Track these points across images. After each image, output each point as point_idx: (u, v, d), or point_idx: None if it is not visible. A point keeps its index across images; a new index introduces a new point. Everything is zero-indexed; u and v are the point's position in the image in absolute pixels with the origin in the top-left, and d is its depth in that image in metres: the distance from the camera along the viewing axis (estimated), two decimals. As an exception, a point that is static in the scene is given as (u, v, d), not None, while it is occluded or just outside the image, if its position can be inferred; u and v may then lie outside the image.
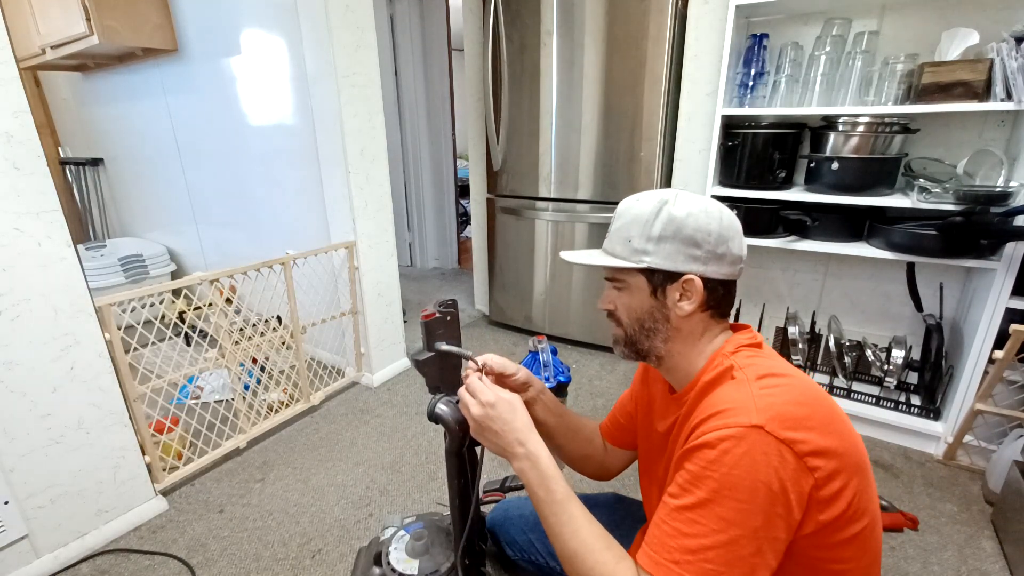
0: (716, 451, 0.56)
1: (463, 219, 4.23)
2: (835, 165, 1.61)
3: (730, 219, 0.67)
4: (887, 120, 1.57)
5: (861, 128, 1.59)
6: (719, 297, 0.69)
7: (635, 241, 0.67)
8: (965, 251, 1.46)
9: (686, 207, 0.65)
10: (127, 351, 1.37)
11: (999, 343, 1.44)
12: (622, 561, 0.60)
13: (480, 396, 0.71)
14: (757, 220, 1.78)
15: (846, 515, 0.58)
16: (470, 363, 0.80)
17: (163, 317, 1.72)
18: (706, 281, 0.66)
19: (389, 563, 0.98)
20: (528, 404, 0.77)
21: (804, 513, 0.56)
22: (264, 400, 1.87)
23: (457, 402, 0.84)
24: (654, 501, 0.66)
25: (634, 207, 0.68)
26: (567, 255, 0.76)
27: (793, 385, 0.60)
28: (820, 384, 1.78)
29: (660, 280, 0.67)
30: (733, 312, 2.00)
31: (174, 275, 3.02)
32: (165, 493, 1.51)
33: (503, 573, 1.22)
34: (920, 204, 1.50)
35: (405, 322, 2.45)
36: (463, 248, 4.06)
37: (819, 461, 0.56)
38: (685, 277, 0.66)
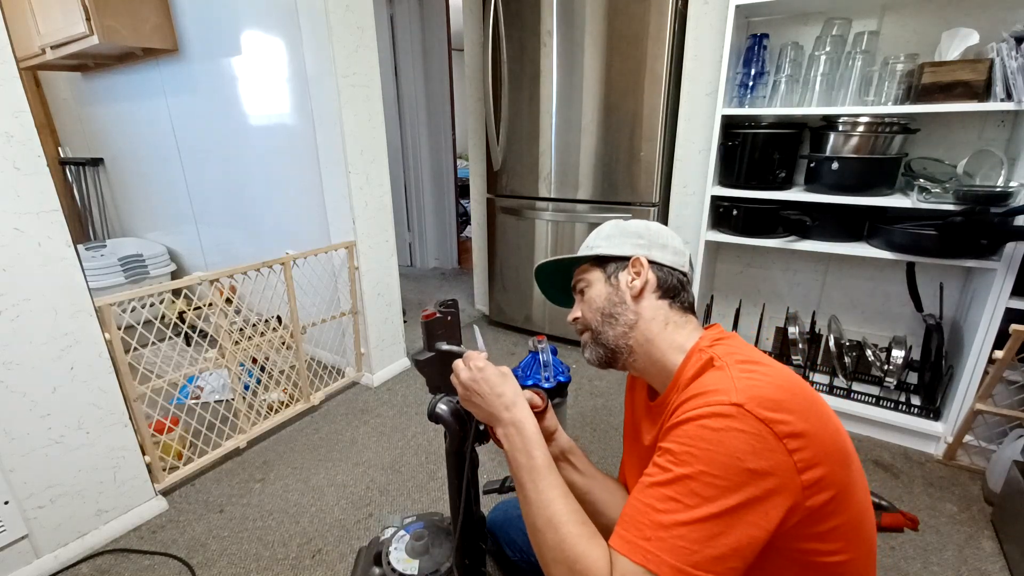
0: (695, 426, 0.56)
1: (463, 219, 4.22)
2: (835, 165, 1.61)
3: (672, 232, 0.81)
4: (887, 120, 1.57)
5: (861, 128, 1.58)
6: (673, 286, 0.76)
7: (589, 242, 0.84)
8: (965, 251, 1.46)
9: (633, 222, 0.82)
10: (127, 351, 1.37)
11: (999, 343, 1.44)
12: (595, 538, 0.58)
13: (471, 361, 0.75)
14: (757, 220, 1.78)
15: (830, 506, 0.58)
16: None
17: (163, 317, 1.72)
18: (652, 263, 0.76)
19: (389, 563, 0.99)
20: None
21: (792, 499, 0.55)
22: (264, 400, 1.87)
23: (457, 401, 0.84)
24: None
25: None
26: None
27: (772, 372, 0.61)
28: (815, 383, 1.81)
29: (613, 269, 0.78)
30: (732, 312, 2.02)
31: (174, 275, 3.01)
32: (165, 493, 1.51)
33: (503, 573, 1.22)
34: (920, 204, 1.50)
35: (405, 322, 2.45)
36: (463, 248, 4.06)
37: (798, 443, 0.55)
38: (632, 258, 0.76)
